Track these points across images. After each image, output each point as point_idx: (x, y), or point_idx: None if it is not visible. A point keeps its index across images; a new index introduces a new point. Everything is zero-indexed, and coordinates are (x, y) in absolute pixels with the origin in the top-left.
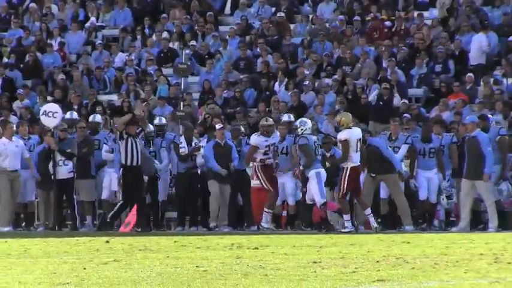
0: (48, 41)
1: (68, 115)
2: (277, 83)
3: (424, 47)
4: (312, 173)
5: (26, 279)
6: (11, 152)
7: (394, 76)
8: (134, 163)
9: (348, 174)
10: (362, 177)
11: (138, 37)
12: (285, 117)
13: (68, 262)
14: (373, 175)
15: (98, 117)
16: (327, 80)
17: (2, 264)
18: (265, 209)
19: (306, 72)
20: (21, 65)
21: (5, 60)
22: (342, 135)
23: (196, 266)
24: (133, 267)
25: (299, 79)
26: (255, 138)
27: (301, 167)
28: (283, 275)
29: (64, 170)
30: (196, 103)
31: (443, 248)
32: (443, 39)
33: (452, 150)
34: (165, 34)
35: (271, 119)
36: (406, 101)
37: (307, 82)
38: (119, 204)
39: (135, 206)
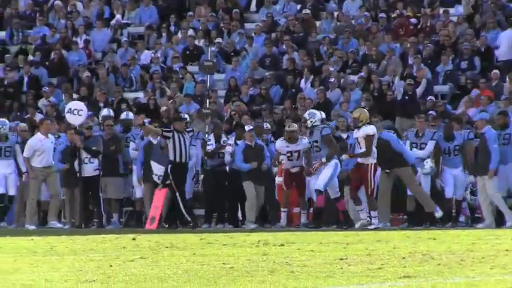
0: (74, 39)
1: (105, 112)
2: (302, 80)
3: (449, 43)
4: (332, 163)
5: (52, 276)
6: (47, 149)
7: (420, 73)
8: (183, 159)
9: (372, 170)
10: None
11: (164, 34)
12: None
13: (94, 260)
14: (387, 171)
15: (131, 115)
16: (353, 77)
17: (28, 261)
18: (281, 208)
19: (331, 69)
20: (47, 63)
21: (31, 58)
22: (369, 130)
23: (223, 263)
24: (160, 264)
25: (325, 76)
26: (278, 143)
27: (323, 159)
28: (310, 271)
29: (90, 167)
30: (222, 100)
31: (469, 245)
32: (468, 36)
33: (469, 146)
34: (190, 31)
35: (295, 125)
36: (433, 98)
37: (332, 79)
38: (180, 201)
39: (158, 199)
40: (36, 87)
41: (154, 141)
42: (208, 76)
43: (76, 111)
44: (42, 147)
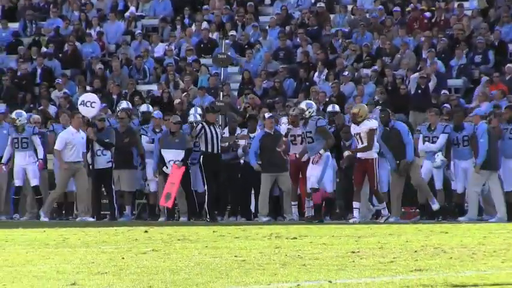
0: (87, 31)
1: (124, 104)
2: (316, 73)
3: (463, 37)
4: (323, 157)
5: (65, 268)
6: (78, 143)
7: (433, 67)
8: (215, 151)
9: (376, 164)
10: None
11: (178, 27)
12: (330, 108)
13: (107, 252)
14: (398, 162)
15: (150, 107)
16: (366, 71)
17: (41, 253)
18: (291, 202)
19: (345, 62)
20: (60, 55)
21: (44, 49)
22: (372, 124)
23: (235, 256)
24: (172, 257)
25: (338, 69)
26: (282, 127)
27: (321, 151)
28: (322, 264)
29: (102, 160)
30: (235, 93)
31: (481, 238)
32: (483, 30)
33: (473, 140)
34: (204, 24)
35: (298, 109)
36: (447, 92)
37: (346, 72)
38: (206, 194)
39: (175, 176)
40: (50, 79)
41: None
42: (222, 69)
43: (89, 104)
44: (73, 141)
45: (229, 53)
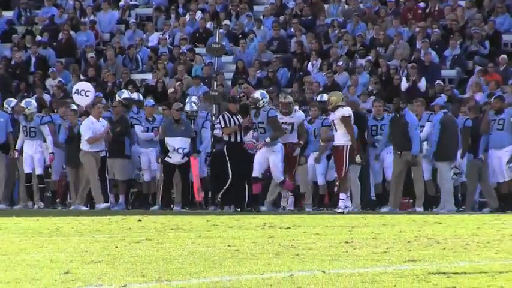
0: (82, 20)
1: (125, 94)
2: (310, 63)
3: (457, 28)
4: (277, 148)
5: (58, 257)
6: (98, 132)
7: (428, 57)
8: (238, 139)
9: (347, 152)
10: (390, 158)
11: (172, 16)
12: (319, 97)
13: (100, 240)
14: (399, 152)
15: (141, 96)
16: (360, 61)
17: (34, 242)
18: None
19: (339, 51)
20: (54, 43)
21: (38, 38)
22: (345, 112)
23: (228, 246)
24: (165, 246)
25: (332, 59)
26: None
27: (266, 139)
28: (315, 254)
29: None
30: (229, 83)
31: (475, 229)
32: (477, 21)
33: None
34: (199, 14)
35: (290, 97)
36: (441, 82)
37: (340, 62)
38: (228, 181)
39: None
40: (44, 68)
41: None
42: (216, 58)
43: (83, 92)
44: (95, 130)
45: (223, 43)
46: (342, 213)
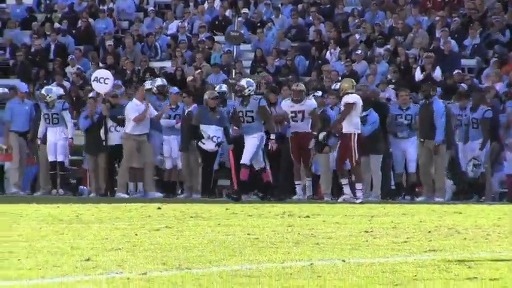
0: (101, 7)
1: (159, 81)
2: (328, 52)
3: (477, 17)
4: (257, 135)
5: (79, 244)
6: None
7: (447, 46)
8: (279, 130)
9: (355, 140)
10: (413, 147)
11: (191, 4)
12: (333, 85)
13: (120, 228)
14: (422, 140)
15: (165, 81)
16: (379, 50)
17: (54, 229)
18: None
19: (357, 41)
20: (74, 31)
21: (57, 25)
22: (350, 99)
23: (248, 234)
24: (185, 234)
25: (351, 48)
26: (283, 102)
27: (271, 136)
28: (335, 243)
29: (115, 136)
30: (247, 71)
31: (496, 219)
32: (497, 10)
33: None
34: (217, 1)
35: (302, 85)
36: (460, 71)
37: (359, 51)
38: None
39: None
40: (63, 55)
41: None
42: (235, 46)
43: (102, 80)
44: (139, 112)
45: (241, 31)
46: (361, 203)
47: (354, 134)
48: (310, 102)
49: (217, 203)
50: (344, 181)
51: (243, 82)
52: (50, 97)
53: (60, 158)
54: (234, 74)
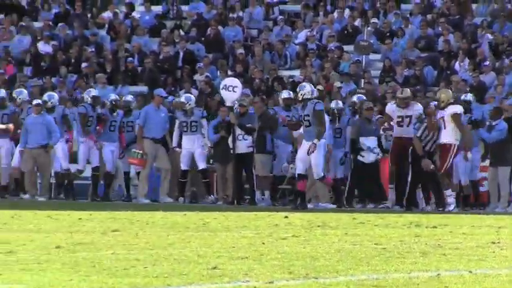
0: (230, 15)
1: (284, 94)
2: (457, 63)
3: None
4: (320, 144)
5: (205, 252)
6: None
7: None
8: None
9: (453, 151)
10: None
11: (321, 13)
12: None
13: (247, 236)
14: None
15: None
16: (507, 61)
17: (181, 237)
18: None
19: (486, 52)
20: (202, 38)
21: (181, 33)
22: (456, 109)
23: (375, 244)
24: (312, 243)
25: (479, 59)
26: (389, 106)
27: (314, 141)
28: (462, 254)
29: (243, 144)
30: (376, 81)
31: None
32: None
33: None
34: (347, 11)
35: (408, 91)
36: None
37: (487, 62)
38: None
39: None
40: (191, 63)
41: None
42: (364, 56)
43: (231, 88)
44: None
45: (371, 41)
46: (450, 211)
47: (454, 145)
48: (417, 107)
49: (344, 212)
50: (448, 192)
51: (298, 87)
52: (189, 104)
53: (201, 166)
54: (363, 83)
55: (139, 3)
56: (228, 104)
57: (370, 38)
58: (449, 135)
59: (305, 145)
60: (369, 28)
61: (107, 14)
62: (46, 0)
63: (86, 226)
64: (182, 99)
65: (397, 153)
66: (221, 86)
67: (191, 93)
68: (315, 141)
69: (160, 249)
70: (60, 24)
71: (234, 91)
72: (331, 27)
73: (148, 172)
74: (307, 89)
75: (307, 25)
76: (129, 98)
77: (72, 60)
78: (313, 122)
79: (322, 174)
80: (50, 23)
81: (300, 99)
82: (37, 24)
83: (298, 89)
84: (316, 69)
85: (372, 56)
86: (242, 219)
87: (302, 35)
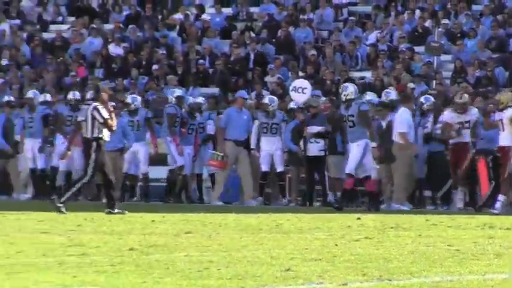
0: (301, 16)
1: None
2: None
3: None
4: (361, 143)
5: (278, 254)
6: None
7: None
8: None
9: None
10: None
11: (392, 14)
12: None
13: (320, 238)
14: None
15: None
16: None
17: (254, 239)
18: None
19: None
20: (273, 40)
21: (252, 34)
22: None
23: (448, 245)
24: (385, 244)
25: None
26: (447, 114)
27: (373, 144)
28: None
29: (315, 147)
30: (448, 82)
31: None
32: None
33: None
34: (417, 12)
35: (466, 96)
36: None
37: None
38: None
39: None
40: (262, 64)
41: None
42: (435, 57)
43: (301, 89)
44: None
45: (442, 41)
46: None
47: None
48: (474, 111)
49: (417, 213)
50: (500, 196)
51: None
52: (272, 106)
53: (279, 169)
54: (434, 84)
55: (209, 5)
56: (297, 105)
57: (441, 38)
58: (507, 138)
59: (353, 147)
60: (440, 29)
61: (177, 16)
62: (117, 3)
63: (159, 228)
64: (266, 100)
65: (456, 160)
66: (290, 88)
67: (262, 95)
68: (373, 144)
69: (234, 251)
70: (130, 26)
71: (303, 93)
72: (401, 28)
73: (227, 175)
74: (350, 90)
75: (377, 26)
76: (200, 99)
77: (143, 62)
78: (358, 122)
79: (353, 171)
80: (121, 25)
81: (344, 99)
82: (108, 27)
83: (341, 90)
84: (388, 71)
85: (443, 57)
86: (315, 221)
87: (372, 36)
